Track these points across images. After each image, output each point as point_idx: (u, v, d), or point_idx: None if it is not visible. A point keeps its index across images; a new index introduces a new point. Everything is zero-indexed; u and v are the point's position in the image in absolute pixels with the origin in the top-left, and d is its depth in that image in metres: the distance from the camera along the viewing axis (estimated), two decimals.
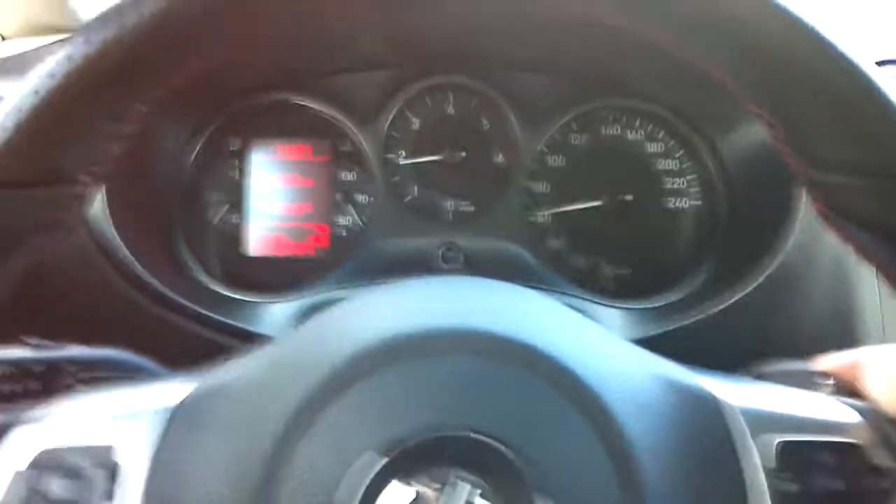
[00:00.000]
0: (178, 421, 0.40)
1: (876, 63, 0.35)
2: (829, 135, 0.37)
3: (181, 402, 0.41)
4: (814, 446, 0.40)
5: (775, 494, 0.38)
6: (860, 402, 0.43)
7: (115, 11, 0.35)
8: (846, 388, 0.46)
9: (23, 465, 0.39)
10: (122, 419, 0.41)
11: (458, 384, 0.38)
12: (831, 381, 0.47)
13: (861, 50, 0.35)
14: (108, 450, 0.39)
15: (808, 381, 0.48)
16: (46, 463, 0.39)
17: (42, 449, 0.40)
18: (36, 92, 0.35)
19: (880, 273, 0.40)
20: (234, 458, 0.38)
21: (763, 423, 0.41)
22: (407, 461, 0.36)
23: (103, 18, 0.35)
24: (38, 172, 0.37)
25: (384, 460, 0.36)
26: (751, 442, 0.40)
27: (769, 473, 0.39)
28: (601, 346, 0.43)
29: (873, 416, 0.42)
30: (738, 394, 0.42)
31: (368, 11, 0.41)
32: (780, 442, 0.40)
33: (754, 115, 0.39)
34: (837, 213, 0.40)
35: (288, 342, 0.44)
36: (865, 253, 0.40)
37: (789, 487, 0.39)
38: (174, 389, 0.42)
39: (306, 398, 0.38)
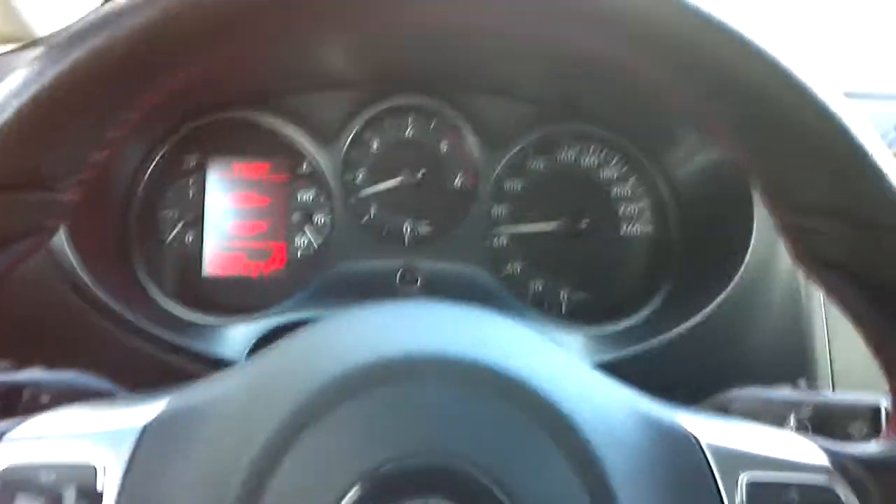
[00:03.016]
0: (150, 440, 0.39)
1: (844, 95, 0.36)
2: (808, 180, 0.37)
3: (152, 421, 0.40)
4: (786, 487, 0.40)
5: None
6: (828, 443, 0.43)
7: (107, 17, 0.34)
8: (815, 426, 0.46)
9: None
10: (90, 437, 0.40)
11: (437, 412, 0.38)
12: (793, 418, 0.48)
13: (838, 96, 0.35)
14: (77, 468, 0.38)
15: (773, 413, 0.48)
16: (13, 480, 0.38)
17: (8, 465, 0.38)
18: (19, 94, 0.33)
19: (853, 323, 0.40)
20: (208, 481, 0.37)
21: (740, 462, 0.41)
22: (384, 489, 0.36)
23: (95, 23, 0.34)
24: (22, 175, 0.36)
25: (360, 489, 0.36)
26: (730, 482, 0.40)
27: None
28: (581, 378, 0.43)
29: (843, 458, 0.42)
30: (715, 431, 0.42)
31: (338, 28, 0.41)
32: (753, 481, 0.40)
33: (733, 157, 0.40)
34: (813, 258, 0.40)
35: (262, 364, 0.43)
36: (840, 300, 0.40)
37: None
38: (143, 409, 0.41)
39: (283, 423, 0.37)
